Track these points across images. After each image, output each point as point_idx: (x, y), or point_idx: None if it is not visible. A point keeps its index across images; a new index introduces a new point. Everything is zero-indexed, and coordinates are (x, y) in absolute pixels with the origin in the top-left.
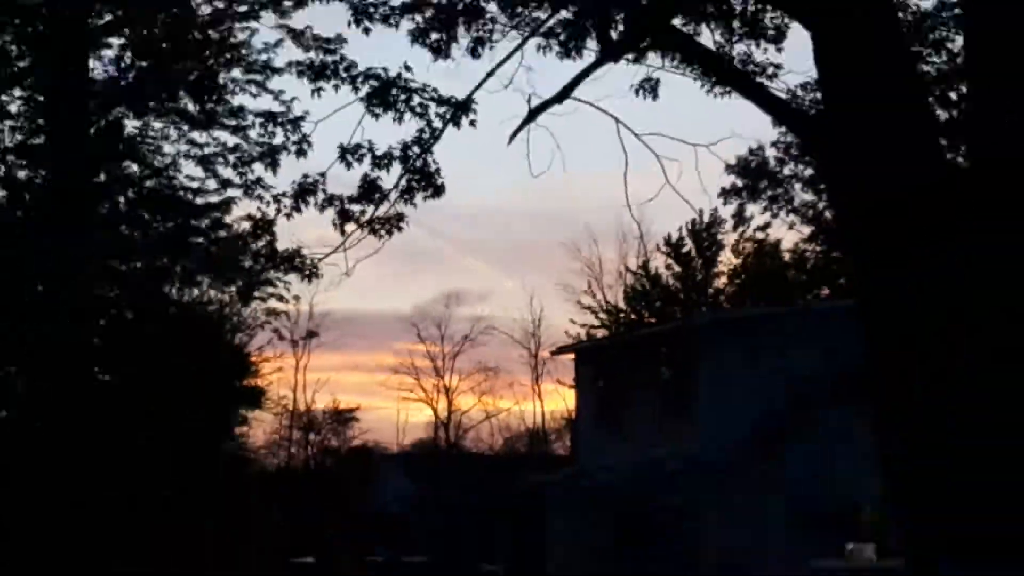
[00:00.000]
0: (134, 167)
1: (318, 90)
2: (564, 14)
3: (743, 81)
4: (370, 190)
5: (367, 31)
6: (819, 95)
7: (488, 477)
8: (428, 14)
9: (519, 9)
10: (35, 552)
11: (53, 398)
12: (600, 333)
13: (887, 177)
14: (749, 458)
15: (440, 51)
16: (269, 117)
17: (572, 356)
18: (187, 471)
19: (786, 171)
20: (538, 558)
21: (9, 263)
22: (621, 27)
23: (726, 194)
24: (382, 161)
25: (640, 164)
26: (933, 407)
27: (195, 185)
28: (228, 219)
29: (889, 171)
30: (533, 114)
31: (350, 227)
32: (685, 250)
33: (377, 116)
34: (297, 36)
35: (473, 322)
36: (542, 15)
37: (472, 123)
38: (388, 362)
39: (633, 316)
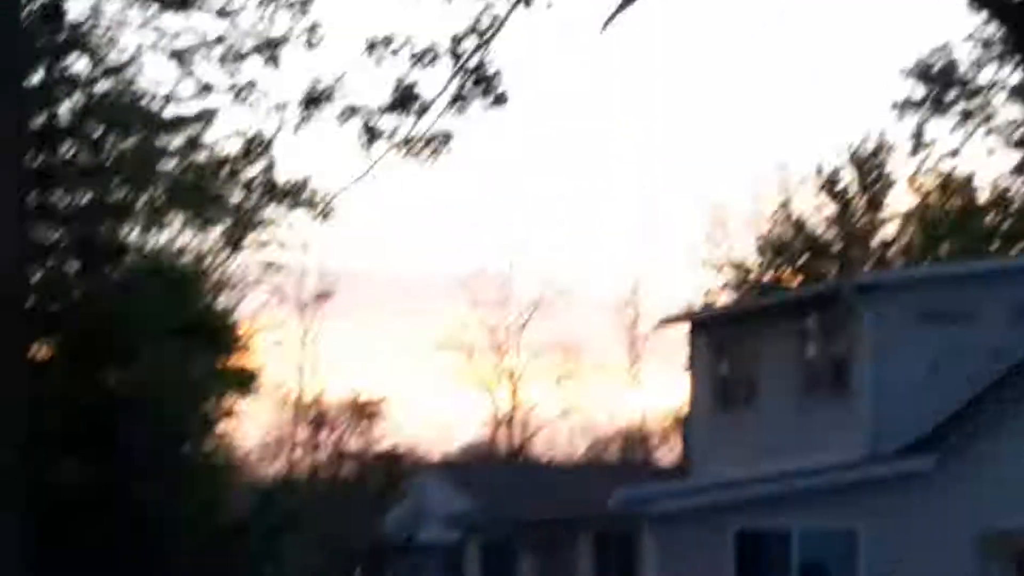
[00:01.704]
0: (81, 64)
1: None
2: None
3: None
4: (407, 97)
5: None
6: None
7: (566, 493)
8: None
9: None
10: None
11: None
12: (724, 298)
13: None
14: (926, 465)
15: None
16: None
17: (686, 329)
18: (142, 483)
19: (984, 77)
20: None
21: None
22: None
23: (900, 108)
24: (424, 58)
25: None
26: None
27: (165, 89)
28: (210, 136)
29: None
30: None
31: (380, 148)
32: (842, 186)
33: None
34: None
35: (547, 283)
36: None
37: (548, 4)
38: (430, 337)
39: (770, 275)
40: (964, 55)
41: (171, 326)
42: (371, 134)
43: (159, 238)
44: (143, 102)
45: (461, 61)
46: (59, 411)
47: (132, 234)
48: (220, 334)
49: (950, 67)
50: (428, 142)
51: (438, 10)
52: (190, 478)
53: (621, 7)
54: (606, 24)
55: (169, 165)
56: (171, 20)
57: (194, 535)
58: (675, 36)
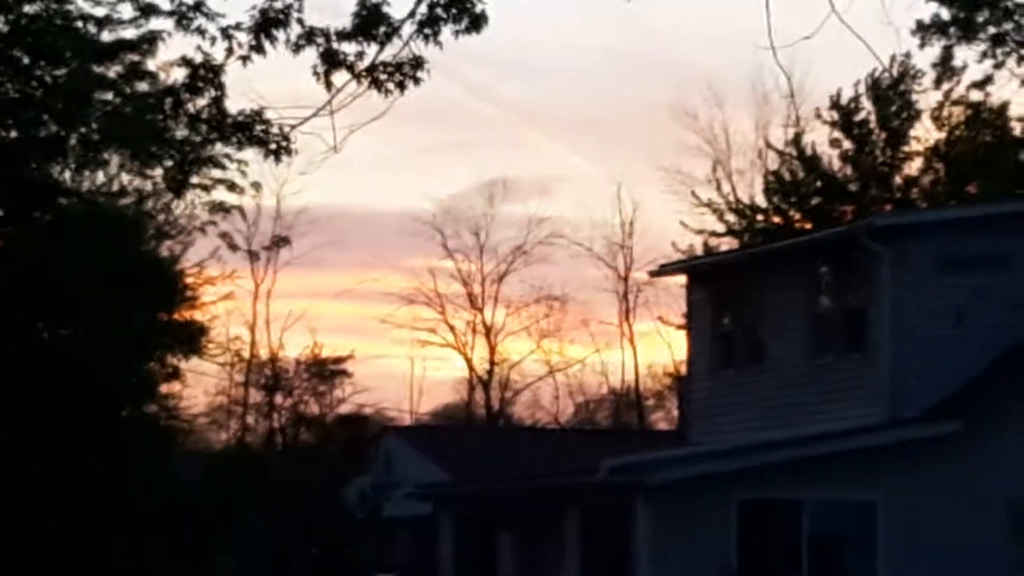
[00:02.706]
0: None
1: None
2: None
3: None
4: (371, 20)
5: None
6: None
7: (551, 462)
8: None
9: None
10: None
11: None
12: (726, 244)
13: None
14: (951, 429)
15: None
16: None
17: (683, 279)
18: (80, 449)
19: None
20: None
21: None
22: None
23: (924, 31)
24: None
25: None
26: None
27: (100, 12)
28: (152, 65)
29: None
30: None
31: (340, 77)
32: (860, 118)
33: None
34: None
35: (529, 227)
36: None
37: None
38: (398, 287)
39: (777, 218)
40: None
41: (108, 275)
42: (331, 61)
43: (95, 178)
44: (76, 27)
45: None
46: None
47: (65, 174)
48: (163, 285)
49: None
50: (396, 70)
51: None
52: (130, 444)
53: None
54: None
55: (106, 97)
56: None
57: (136, 507)
58: None
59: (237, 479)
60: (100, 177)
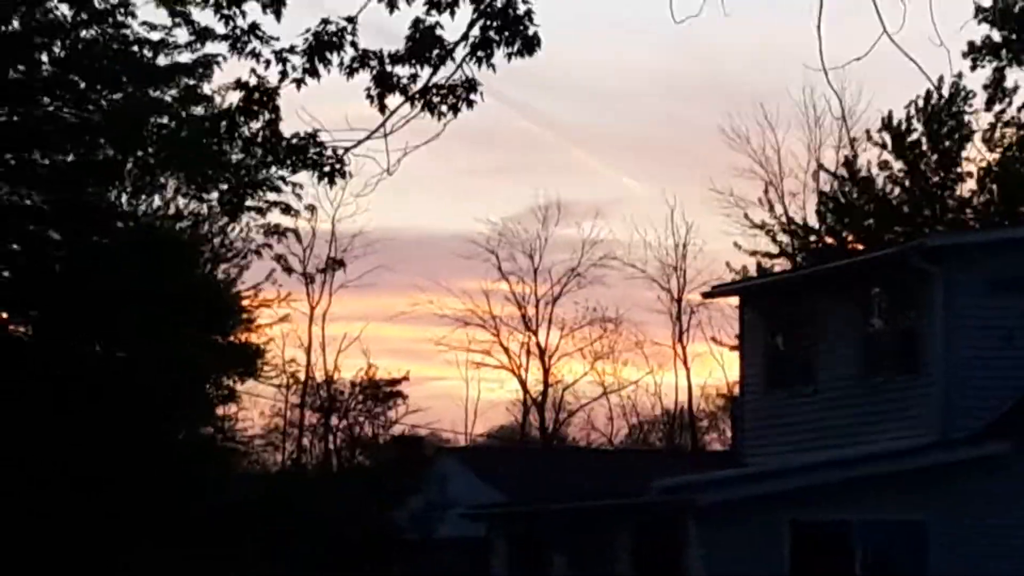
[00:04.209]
0: (63, 9)
1: None
2: None
3: None
4: (425, 43)
5: None
6: None
7: (604, 482)
8: None
9: None
10: None
11: None
12: (779, 265)
13: None
14: (1002, 450)
15: None
16: None
17: (736, 300)
18: (134, 470)
19: None
20: None
21: None
22: None
23: (976, 52)
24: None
25: (841, 3)
26: None
27: (156, 36)
28: (207, 88)
29: None
30: None
31: (394, 100)
32: (912, 139)
33: None
34: None
35: (583, 248)
36: None
37: None
38: (452, 310)
39: (830, 239)
40: None
41: (164, 299)
42: (385, 84)
43: (151, 202)
44: (133, 51)
45: (484, 2)
46: (39, 391)
47: (121, 198)
48: (219, 308)
49: None
50: (449, 93)
51: None
52: (186, 465)
53: None
54: None
55: (162, 121)
56: None
57: (192, 528)
58: None
59: (291, 500)
60: (156, 201)
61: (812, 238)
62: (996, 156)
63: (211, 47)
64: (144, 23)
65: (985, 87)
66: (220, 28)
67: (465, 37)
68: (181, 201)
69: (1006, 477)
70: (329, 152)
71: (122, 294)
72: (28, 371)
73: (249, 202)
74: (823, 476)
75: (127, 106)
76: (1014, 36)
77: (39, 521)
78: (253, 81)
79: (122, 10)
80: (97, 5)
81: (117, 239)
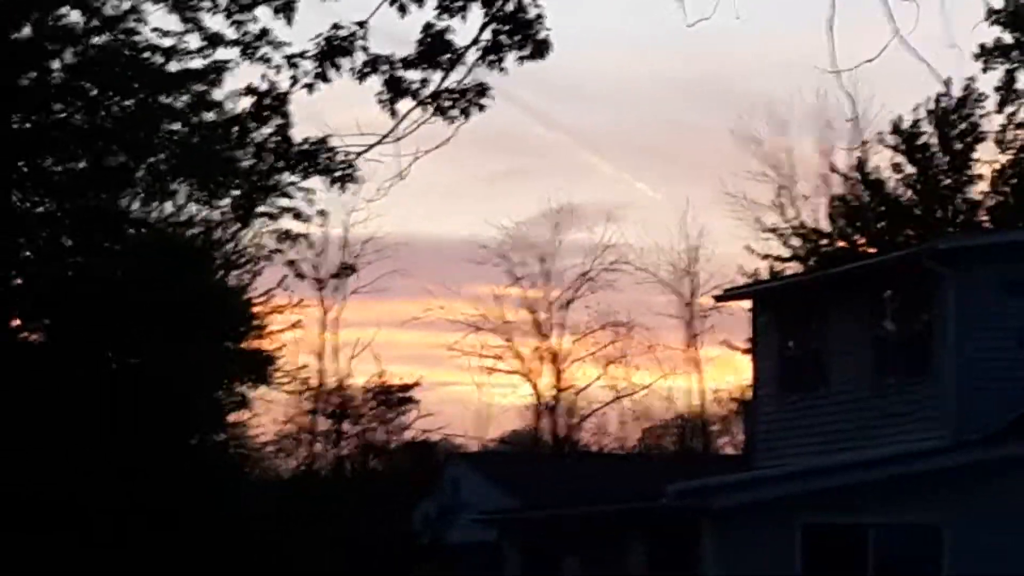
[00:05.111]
0: (74, 16)
1: None
2: None
3: None
4: (435, 47)
5: None
6: None
7: (616, 486)
8: None
9: None
10: None
11: None
12: (791, 268)
13: None
14: (1018, 452)
15: None
16: None
17: (748, 303)
18: (150, 477)
19: None
20: None
21: None
22: None
23: (987, 54)
24: (454, 1)
25: (852, 6)
26: None
27: (168, 42)
28: (218, 94)
29: None
30: None
31: (405, 104)
32: (922, 141)
33: None
34: None
35: (595, 253)
36: None
37: None
38: (464, 315)
39: (842, 242)
40: None
41: (176, 305)
42: (396, 88)
43: (163, 208)
44: (144, 57)
45: (496, 4)
46: (54, 400)
47: (133, 204)
48: (231, 314)
49: None
50: (460, 96)
51: None
52: (200, 472)
53: None
54: None
55: (173, 127)
56: None
57: (206, 532)
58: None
59: (305, 504)
60: (168, 207)
61: (824, 241)
62: (1008, 158)
63: (222, 52)
64: (155, 29)
65: (997, 89)
66: (231, 33)
67: (476, 41)
68: (193, 207)
69: (1021, 479)
70: (340, 157)
71: (134, 301)
72: (42, 378)
73: (261, 208)
74: (837, 479)
75: (138, 112)
76: None
77: (52, 527)
78: (264, 86)
79: (133, 16)
80: (108, 11)
81: (129, 245)
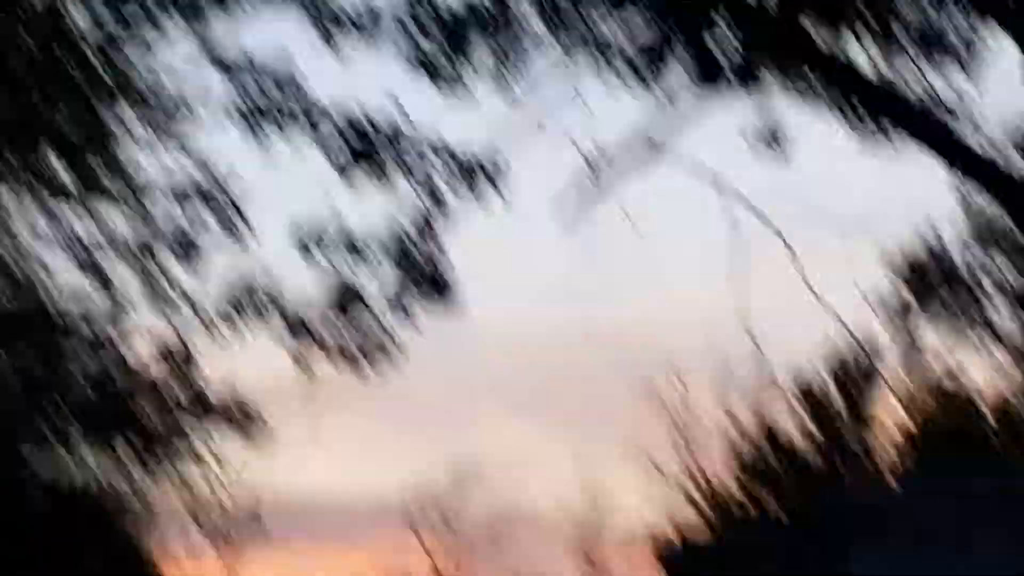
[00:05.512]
0: None
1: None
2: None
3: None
4: (346, 298)
5: None
6: None
7: None
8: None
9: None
10: None
11: None
12: (698, 525)
13: None
14: None
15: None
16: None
17: (656, 562)
18: None
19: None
20: None
21: None
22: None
23: (882, 305)
24: (362, 253)
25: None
26: None
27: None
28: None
29: None
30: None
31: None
32: (821, 394)
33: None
34: None
35: (496, 510)
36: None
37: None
38: (370, 569)
39: (747, 497)
40: (951, 240)
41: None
42: (302, 341)
43: (60, 459)
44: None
45: (404, 257)
46: None
47: (29, 453)
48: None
49: (937, 255)
50: (372, 350)
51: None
52: None
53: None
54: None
55: (73, 372)
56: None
57: None
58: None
59: None
60: (66, 457)
61: (727, 499)
62: (910, 414)
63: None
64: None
65: (892, 339)
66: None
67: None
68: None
69: None
70: (252, 412)
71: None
72: None
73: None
74: None
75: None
76: (916, 284)
77: None
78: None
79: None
80: None
81: (24, 497)
